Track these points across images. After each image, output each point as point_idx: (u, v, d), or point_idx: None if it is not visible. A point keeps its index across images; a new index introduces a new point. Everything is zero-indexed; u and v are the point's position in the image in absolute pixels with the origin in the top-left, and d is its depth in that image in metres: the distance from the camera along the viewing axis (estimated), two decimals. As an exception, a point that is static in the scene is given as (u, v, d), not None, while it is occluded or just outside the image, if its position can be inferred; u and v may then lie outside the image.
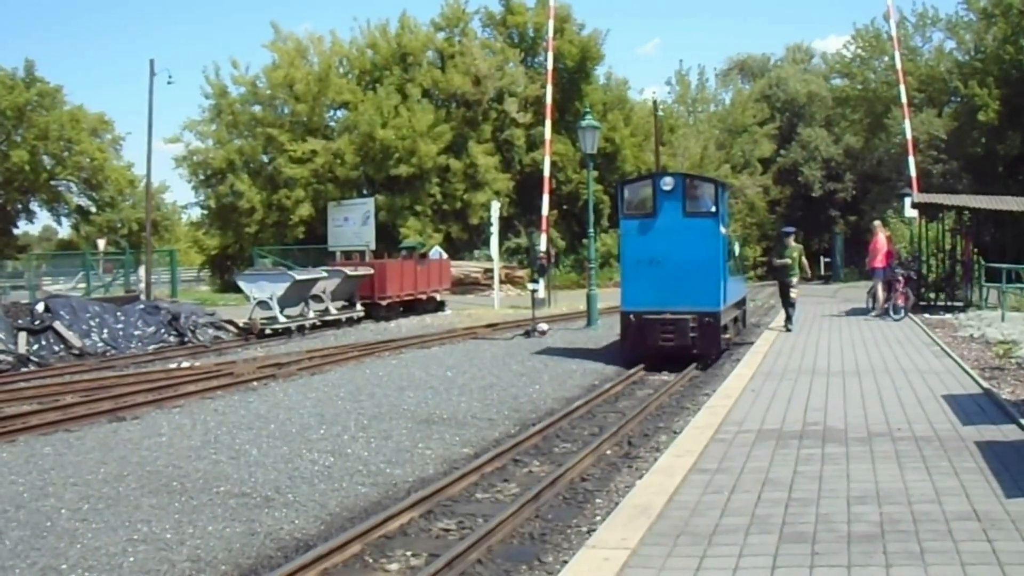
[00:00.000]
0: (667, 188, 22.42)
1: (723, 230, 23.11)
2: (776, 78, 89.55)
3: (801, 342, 22.97)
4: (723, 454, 11.03)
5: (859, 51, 71.47)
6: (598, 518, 10.32)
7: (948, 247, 34.80)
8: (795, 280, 26.26)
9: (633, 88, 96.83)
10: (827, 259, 70.83)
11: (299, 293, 33.09)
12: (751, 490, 9.32)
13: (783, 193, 79.02)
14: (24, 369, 24.66)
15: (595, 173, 43.43)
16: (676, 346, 21.97)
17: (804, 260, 27.04)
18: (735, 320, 26.32)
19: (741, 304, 28.39)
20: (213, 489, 11.85)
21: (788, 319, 26.41)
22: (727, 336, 23.72)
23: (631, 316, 22.48)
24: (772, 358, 20.11)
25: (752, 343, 24.28)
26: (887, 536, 7.73)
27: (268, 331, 31.66)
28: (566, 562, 8.23)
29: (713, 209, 22.65)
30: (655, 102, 62.93)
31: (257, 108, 65.65)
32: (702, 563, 7.31)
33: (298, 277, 33.00)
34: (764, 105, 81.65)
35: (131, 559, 9.37)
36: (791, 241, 26.61)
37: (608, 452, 13.88)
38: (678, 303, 21.96)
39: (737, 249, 28.12)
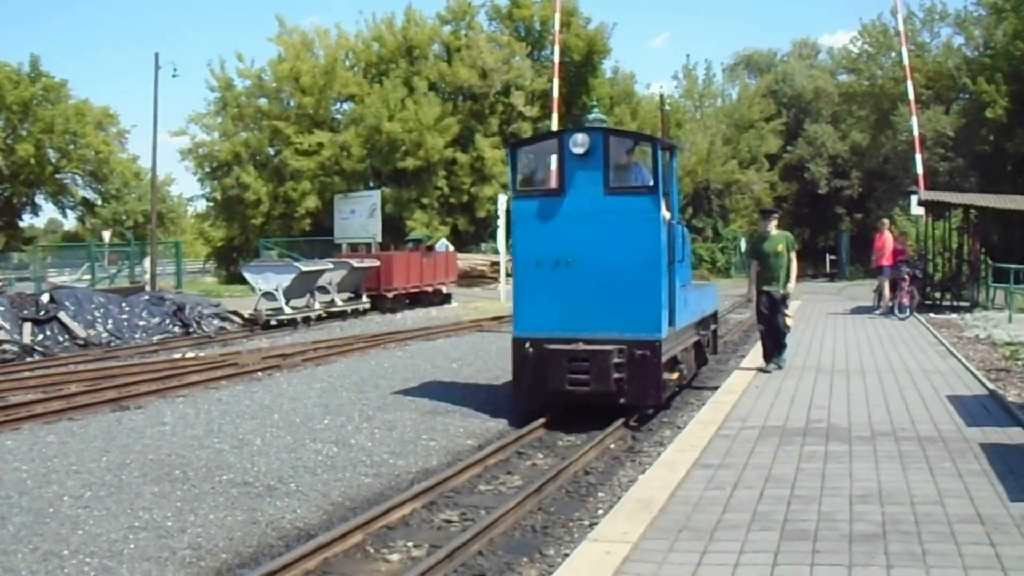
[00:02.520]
0: (579, 151, 15.30)
1: (666, 214, 15.60)
2: (783, 73, 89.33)
3: (806, 340, 22.58)
4: (726, 450, 11.07)
5: (866, 47, 71.25)
6: (600, 511, 10.33)
7: (955, 246, 34.84)
8: (785, 289, 17.73)
9: (641, 82, 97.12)
10: (833, 256, 70.71)
11: (305, 284, 33.16)
12: (754, 486, 9.35)
13: (789, 189, 78.92)
14: (29, 359, 24.71)
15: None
16: (593, 392, 14.95)
17: (794, 257, 17.93)
18: (692, 349, 18.34)
19: (704, 324, 19.75)
20: (215, 478, 11.88)
21: (774, 350, 18.07)
22: (674, 376, 16.31)
23: (526, 345, 15.52)
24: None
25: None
26: (889, 536, 7.72)
27: (273, 322, 31.67)
28: (567, 555, 8.26)
29: (651, 183, 15.41)
30: (662, 96, 62.78)
31: (263, 101, 65.79)
32: (703, 558, 7.32)
33: (304, 268, 33.03)
34: (770, 101, 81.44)
35: (132, 546, 9.41)
36: (773, 226, 18.08)
37: (612, 445, 14.02)
38: (597, 327, 15.17)
39: (686, 244, 18.14)
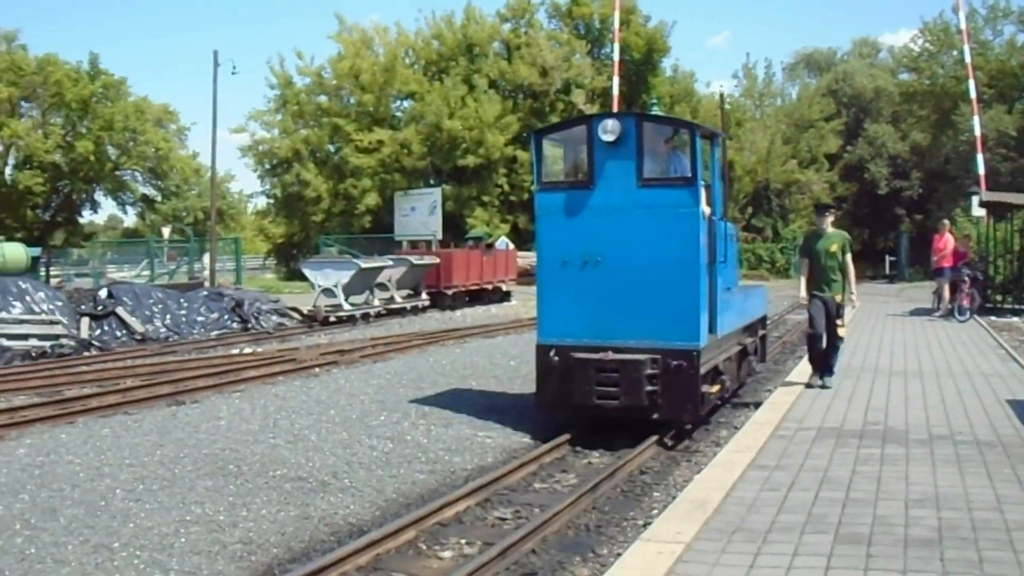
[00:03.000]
0: (609, 138, 13.95)
1: (706, 209, 14.14)
2: (842, 72, 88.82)
3: (864, 342, 22.31)
4: (782, 451, 11.01)
5: (927, 45, 70.68)
6: (655, 511, 10.32)
7: (1016, 248, 34.42)
8: (840, 297, 15.73)
9: (701, 81, 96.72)
10: (892, 258, 70.25)
11: (364, 281, 33.35)
12: (809, 488, 9.28)
13: (849, 190, 78.43)
14: (86, 353, 24.97)
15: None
16: (622, 406, 13.69)
17: (850, 261, 15.81)
18: (736, 359, 16.60)
19: (751, 330, 18.15)
20: (269, 473, 11.96)
21: (822, 366, 15.91)
22: (715, 388, 14.56)
23: (551, 353, 14.21)
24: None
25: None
26: (945, 542, 7.63)
27: (332, 318, 31.90)
28: (620, 554, 8.25)
29: (689, 174, 13.86)
30: (722, 95, 62.52)
31: (323, 98, 66.27)
32: (756, 560, 7.28)
33: (363, 265, 33.26)
34: (830, 100, 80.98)
35: (183, 540, 9.49)
36: (829, 223, 15.98)
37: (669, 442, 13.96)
38: (628, 334, 13.85)
39: (730, 243, 16.67)
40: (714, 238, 14.53)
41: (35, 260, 40.09)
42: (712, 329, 14.37)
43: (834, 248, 15.51)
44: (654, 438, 13.65)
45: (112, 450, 13.00)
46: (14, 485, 11.20)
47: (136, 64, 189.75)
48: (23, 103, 68.18)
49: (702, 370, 13.69)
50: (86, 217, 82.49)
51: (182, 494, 10.95)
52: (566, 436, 13.93)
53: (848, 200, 78.31)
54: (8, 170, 66.74)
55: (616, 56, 49.05)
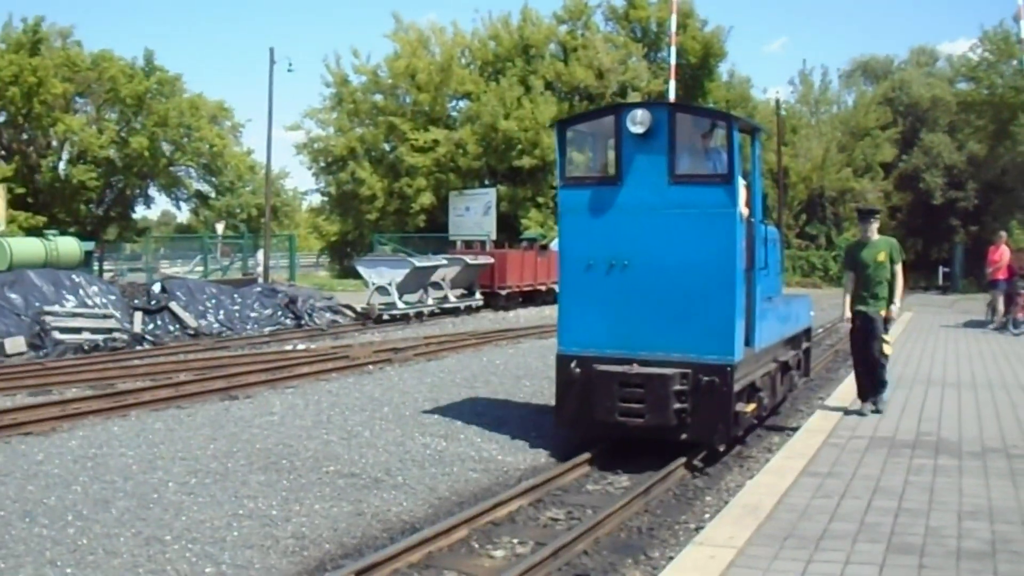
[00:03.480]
0: (639, 130, 12.89)
1: (744, 210, 13.23)
2: (899, 81, 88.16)
3: (917, 352, 22.13)
4: (835, 459, 11.01)
5: (986, 54, 69.81)
6: (707, 515, 10.37)
7: (1074, 261, 34.05)
8: (887, 312, 13.90)
9: (757, 87, 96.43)
10: (946, 269, 69.65)
11: (418, 280, 33.52)
12: (861, 497, 9.29)
13: (903, 199, 77.93)
14: (139, 347, 25.23)
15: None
16: (648, 425, 12.57)
17: (900, 270, 14.02)
18: (776, 373, 15.36)
19: (794, 343, 17.12)
20: (322, 468, 12.08)
21: (870, 387, 14.18)
22: (750, 407, 13.36)
23: (572, 364, 13.22)
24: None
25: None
26: (998, 555, 7.62)
27: (386, 316, 32.13)
28: (672, 558, 8.31)
29: (725, 171, 12.78)
30: (778, 101, 62.34)
31: (378, 97, 66.53)
32: (808, 568, 7.31)
33: (418, 264, 33.43)
34: (886, 108, 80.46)
35: (235, 533, 9.62)
36: (874, 229, 14.20)
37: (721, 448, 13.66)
38: (656, 345, 12.79)
39: (773, 248, 15.61)
40: (753, 241, 13.64)
41: (88, 254, 40.44)
42: (749, 342, 13.34)
43: (881, 257, 13.78)
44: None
45: (165, 443, 13.16)
46: (67, 476, 11.35)
47: (191, 61, 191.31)
48: (77, 99, 68.71)
49: (736, 387, 12.65)
50: (139, 212, 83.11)
51: (234, 488, 11.08)
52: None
53: (902, 210, 77.83)
54: (62, 165, 67.30)
55: (672, 60, 48.89)
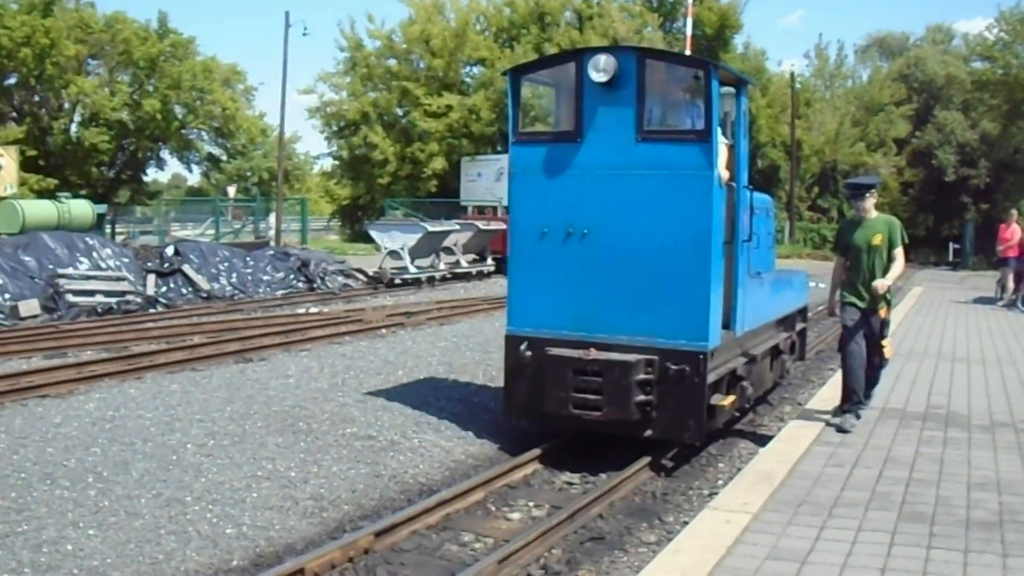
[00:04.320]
0: (602, 78, 11.14)
1: (724, 172, 11.50)
2: (915, 58, 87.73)
3: (927, 326, 22.07)
4: (846, 429, 11.09)
5: (1002, 34, 69.48)
6: (720, 482, 10.51)
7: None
8: (886, 311, 11.28)
9: (772, 59, 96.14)
10: (956, 245, 69.52)
11: (430, 245, 33.61)
12: (872, 466, 9.41)
13: (916, 175, 77.76)
14: (152, 310, 25.29)
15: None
16: (606, 419, 11.01)
17: (900, 254, 11.21)
18: (764, 359, 13.81)
19: (786, 324, 15.51)
20: (339, 431, 12.17)
21: (856, 393, 11.30)
22: (728, 400, 11.61)
23: (522, 347, 11.73)
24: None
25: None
26: (1005, 525, 7.76)
27: (398, 281, 32.20)
28: (687, 522, 8.45)
29: (702, 126, 11.07)
30: (792, 74, 62.28)
31: (392, 62, 66.38)
32: (821, 533, 7.45)
33: (430, 229, 33.49)
34: (901, 85, 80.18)
35: (254, 495, 9.75)
36: (870, 206, 11.33)
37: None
38: (617, 327, 11.19)
39: (761, 218, 13.61)
40: (737, 210, 11.82)
41: (101, 217, 40.62)
42: (729, 324, 11.72)
43: (877, 240, 11.13)
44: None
45: (181, 405, 13.24)
46: (85, 439, 11.44)
47: (205, 24, 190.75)
48: (90, 61, 68.62)
49: (711, 377, 11.04)
50: (151, 175, 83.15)
51: (253, 450, 11.19)
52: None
53: (915, 186, 77.66)
54: (74, 127, 67.24)
55: (688, 31, 48.64)
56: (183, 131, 72.89)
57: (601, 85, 11.10)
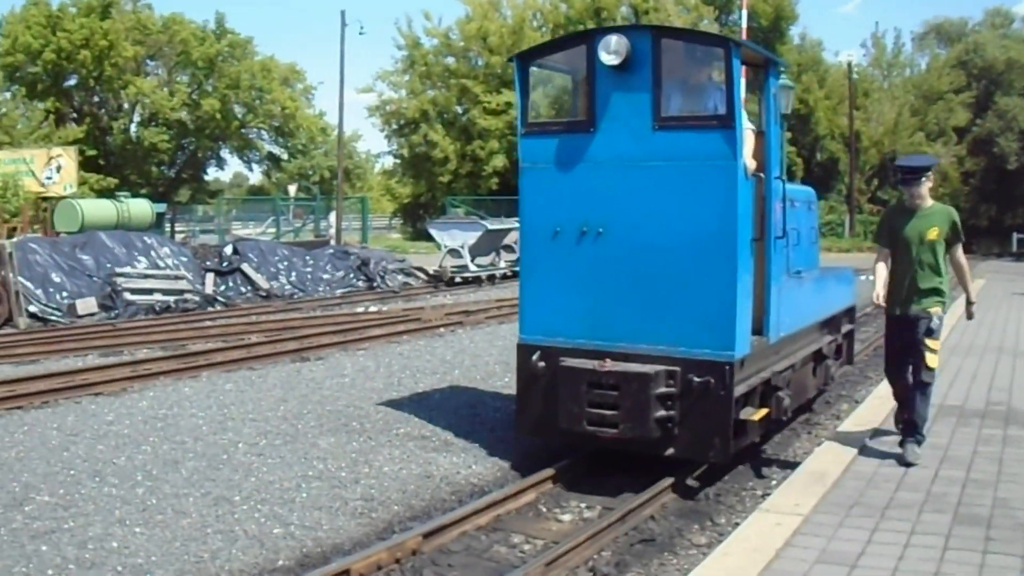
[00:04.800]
0: (614, 61, 10.13)
1: (751, 162, 10.44)
2: (973, 44, 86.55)
3: (988, 320, 21.47)
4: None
5: (1065, 15, 68.74)
6: (774, 483, 10.38)
7: None
8: (939, 309, 9.49)
9: (829, 49, 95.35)
10: (1020, 235, 68.68)
11: (491, 243, 33.66)
12: (928, 466, 9.25)
13: (977, 164, 76.83)
14: (210, 308, 25.63)
15: (788, 135, 42.88)
16: (623, 436, 9.98)
17: (961, 254, 9.76)
18: (805, 365, 12.70)
19: (831, 326, 14.11)
20: (392, 431, 12.21)
21: (908, 416, 9.66)
22: (756, 415, 10.41)
23: (535, 357, 10.73)
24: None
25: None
26: (1066, 530, 7.55)
27: (458, 279, 32.34)
28: (738, 524, 8.38)
29: (724, 111, 9.95)
30: (850, 65, 61.74)
31: (450, 60, 66.72)
32: (873, 536, 7.35)
33: (490, 227, 33.59)
34: (960, 72, 79.23)
35: (304, 495, 9.77)
36: (924, 192, 9.72)
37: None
38: (636, 335, 10.20)
39: (802, 213, 12.72)
40: (768, 203, 10.69)
41: (160, 216, 41.03)
42: (761, 330, 10.63)
43: (933, 234, 9.54)
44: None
45: (235, 404, 13.39)
46: (137, 436, 11.59)
47: (262, 25, 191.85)
48: (148, 62, 69.42)
49: (739, 389, 10.02)
50: (211, 174, 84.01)
51: (304, 449, 11.25)
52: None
53: (976, 175, 76.72)
54: (133, 127, 68.01)
55: (744, 23, 48.38)
56: (243, 130, 73.54)
57: (614, 69, 10.17)
